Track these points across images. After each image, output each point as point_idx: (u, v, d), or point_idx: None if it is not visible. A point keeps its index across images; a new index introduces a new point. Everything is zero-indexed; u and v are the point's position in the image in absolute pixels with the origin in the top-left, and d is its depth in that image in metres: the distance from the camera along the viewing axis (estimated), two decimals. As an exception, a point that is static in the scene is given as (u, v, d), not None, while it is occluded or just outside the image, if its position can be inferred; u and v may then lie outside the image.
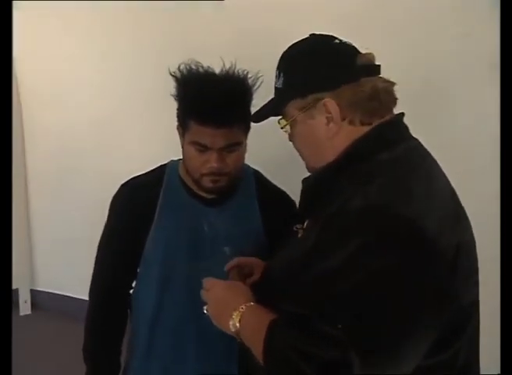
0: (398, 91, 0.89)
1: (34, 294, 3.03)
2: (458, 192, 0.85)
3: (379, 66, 0.88)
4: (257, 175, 1.33)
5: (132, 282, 1.30)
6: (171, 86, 1.16)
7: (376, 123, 0.85)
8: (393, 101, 0.89)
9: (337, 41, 0.89)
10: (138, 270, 1.26)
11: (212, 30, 2.13)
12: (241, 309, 0.84)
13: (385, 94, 0.86)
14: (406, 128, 0.89)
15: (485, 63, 1.57)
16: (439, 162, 0.86)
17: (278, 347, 0.73)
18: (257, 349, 0.77)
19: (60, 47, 2.65)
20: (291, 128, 0.91)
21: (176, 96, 1.16)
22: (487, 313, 0.84)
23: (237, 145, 1.14)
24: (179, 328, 1.22)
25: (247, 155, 1.22)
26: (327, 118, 0.84)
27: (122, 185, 1.26)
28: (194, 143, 1.12)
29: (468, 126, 1.68)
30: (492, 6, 1.40)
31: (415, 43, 1.75)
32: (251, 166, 1.32)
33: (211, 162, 1.12)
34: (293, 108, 0.89)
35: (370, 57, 0.88)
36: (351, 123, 0.84)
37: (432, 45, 1.72)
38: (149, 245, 1.20)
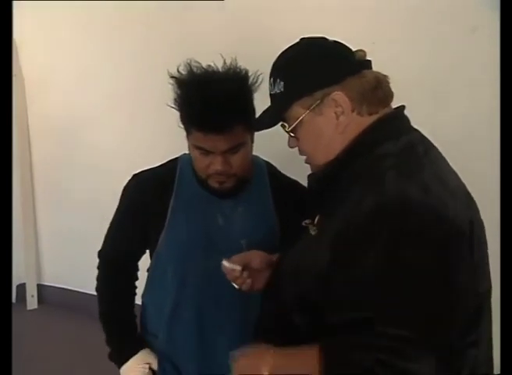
0: (403, 87, 0.90)
1: (41, 288, 3.06)
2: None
3: (371, 61, 0.90)
4: (269, 166, 1.33)
5: (139, 259, 1.33)
6: (161, 85, 1.15)
7: (381, 112, 0.86)
8: (392, 93, 0.90)
9: (330, 40, 0.91)
10: (152, 266, 1.27)
11: (212, 30, 2.12)
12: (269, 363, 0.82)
13: (386, 85, 0.88)
14: (408, 120, 0.90)
15: (493, 60, 1.56)
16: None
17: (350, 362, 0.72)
18: None
19: (61, 44, 2.66)
20: (297, 130, 0.90)
21: (175, 100, 1.14)
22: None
23: (241, 146, 1.13)
24: (197, 324, 1.22)
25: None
26: (335, 113, 0.85)
27: (134, 175, 1.28)
28: (197, 147, 1.12)
29: (472, 123, 1.67)
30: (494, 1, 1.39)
31: (421, 38, 1.74)
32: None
33: (216, 164, 1.11)
34: (299, 107, 0.88)
35: (363, 53, 0.89)
36: (359, 114, 0.85)
37: (435, 41, 1.71)
38: (163, 241, 1.21)
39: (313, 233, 0.87)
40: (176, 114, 1.16)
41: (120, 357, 1.27)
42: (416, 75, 1.71)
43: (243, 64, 1.16)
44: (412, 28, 1.74)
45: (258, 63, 1.13)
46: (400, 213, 0.72)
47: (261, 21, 1.99)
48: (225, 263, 1.04)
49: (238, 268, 1.03)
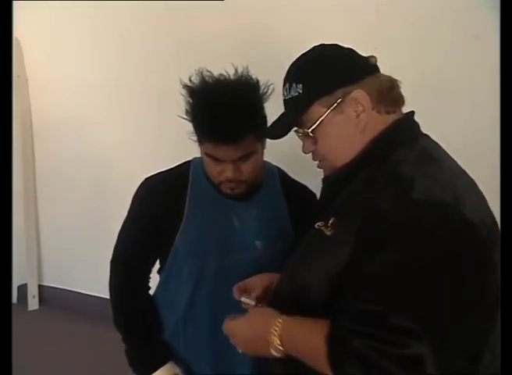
0: (405, 92, 0.92)
1: (42, 289, 3.05)
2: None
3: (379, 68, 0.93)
4: (281, 172, 1.35)
5: (152, 266, 1.31)
6: (162, 85, 1.15)
7: (398, 113, 0.89)
8: (403, 96, 0.92)
9: (344, 46, 0.93)
10: (166, 266, 1.27)
11: (212, 30, 2.13)
12: (275, 331, 0.83)
13: (398, 88, 0.91)
14: (418, 125, 0.92)
15: (495, 67, 1.56)
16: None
17: (348, 349, 0.72)
18: (314, 358, 0.77)
19: (64, 45, 2.67)
20: (316, 131, 0.90)
21: (187, 111, 1.16)
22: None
23: (252, 154, 1.14)
24: (210, 323, 1.23)
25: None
26: (356, 111, 0.86)
27: (146, 179, 1.29)
28: (208, 155, 1.14)
29: (480, 132, 1.68)
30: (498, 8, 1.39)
31: (422, 46, 1.74)
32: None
33: (227, 172, 1.14)
34: (319, 107, 0.88)
35: (375, 59, 0.92)
36: (378, 112, 0.87)
37: (440, 48, 1.72)
38: (179, 242, 1.22)
39: (328, 233, 0.86)
40: (181, 115, 1.17)
41: (145, 368, 1.24)
42: (419, 81, 1.71)
43: (243, 65, 1.17)
44: (415, 34, 1.76)
45: (258, 64, 1.14)
46: (416, 212, 0.74)
47: (261, 21, 2.00)
48: (242, 299, 1.06)
49: (252, 303, 1.05)
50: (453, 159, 0.89)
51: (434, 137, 0.92)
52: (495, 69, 1.22)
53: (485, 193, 0.92)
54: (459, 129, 1.70)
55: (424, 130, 0.93)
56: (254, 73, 1.17)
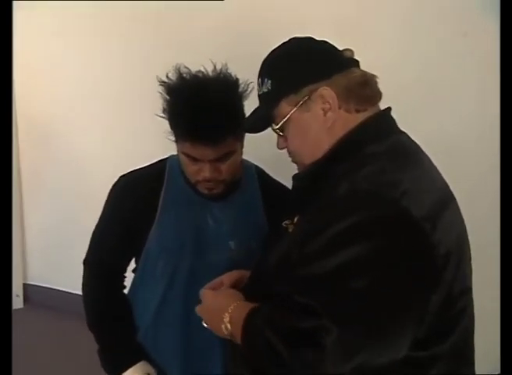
0: (394, 90, 0.91)
1: (27, 288, 3.02)
2: (457, 193, 0.86)
3: (359, 61, 0.91)
4: (259, 170, 1.33)
5: (127, 265, 1.28)
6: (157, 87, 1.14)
7: (370, 111, 0.86)
8: (380, 92, 0.90)
9: (318, 39, 0.91)
10: (140, 264, 1.24)
11: (212, 30, 2.12)
12: (229, 311, 0.84)
13: (375, 84, 0.88)
14: (394, 121, 0.90)
15: (482, 63, 1.57)
16: (436, 162, 0.87)
17: (253, 326, 0.75)
18: (240, 339, 0.78)
19: (64, 45, 2.65)
20: (285, 128, 0.89)
21: (164, 109, 1.13)
22: (487, 313, 0.84)
23: (231, 154, 1.12)
24: (182, 323, 1.20)
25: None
26: (323, 109, 0.84)
27: (122, 176, 1.26)
28: (185, 154, 1.11)
29: (466, 127, 1.68)
30: (489, 6, 1.40)
31: (412, 42, 1.75)
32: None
33: (204, 172, 1.11)
34: (286, 105, 0.87)
35: (350, 52, 0.90)
36: (347, 110, 0.85)
37: (430, 45, 1.72)
38: (152, 239, 1.19)
39: (290, 230, 0.88)
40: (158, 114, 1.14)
41: (117, 367, 1.21)
42: (409, 79, 1.72)
43: (240, 65, 1.15)
44: (405, 32, 1.76)
45: (256, 65, 1.12)
46: (361, 202, 0.73)
47: (260, 22, 1.99)
48: None
49: None
50: (428, 159, 0.87)
51: (420, 134, 0.90)
52: (484, 66, 1.22)
53: (485, 193, 0.92)
54: (452, 126, 1.69)
55: (412, 127, 0.91)
56: (254, 74, 1.16)
